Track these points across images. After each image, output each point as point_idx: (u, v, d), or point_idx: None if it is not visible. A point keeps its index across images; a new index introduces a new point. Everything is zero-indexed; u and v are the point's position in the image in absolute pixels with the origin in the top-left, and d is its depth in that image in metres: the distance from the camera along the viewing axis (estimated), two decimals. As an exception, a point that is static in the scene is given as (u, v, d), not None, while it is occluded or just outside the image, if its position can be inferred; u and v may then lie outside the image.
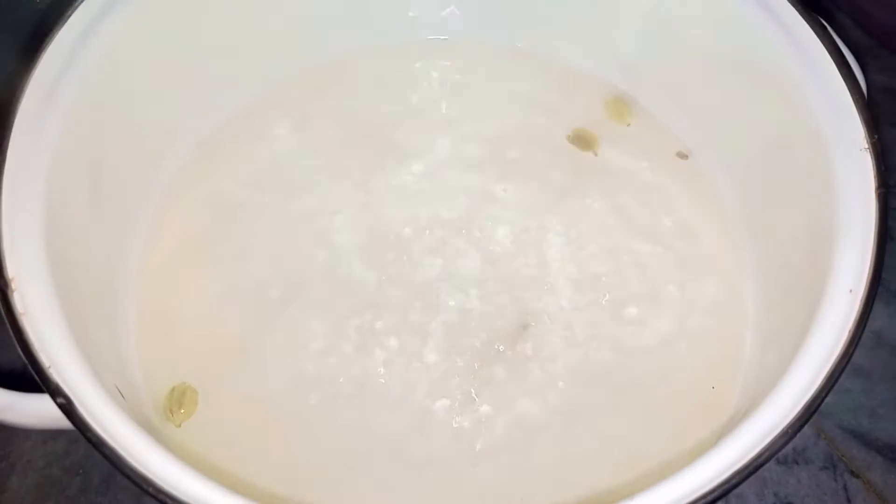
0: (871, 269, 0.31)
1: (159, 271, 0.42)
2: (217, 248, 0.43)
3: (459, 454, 0.38)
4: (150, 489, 0.27)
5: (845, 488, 0.41)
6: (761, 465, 0.28)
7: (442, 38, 0.49)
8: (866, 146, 0.33)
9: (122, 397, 0.31)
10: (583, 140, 0.46)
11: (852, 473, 0.42)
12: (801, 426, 0.29)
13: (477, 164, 0.45)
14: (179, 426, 0.38)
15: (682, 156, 0.45)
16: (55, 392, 0.28)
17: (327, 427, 0.38)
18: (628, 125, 0.46)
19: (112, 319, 0.38)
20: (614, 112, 0.47)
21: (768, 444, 0.28)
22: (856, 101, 0.33)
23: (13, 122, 0.33)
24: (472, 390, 0.39)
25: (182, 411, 0.38)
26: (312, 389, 0.39)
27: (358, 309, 0.41)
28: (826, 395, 0.29)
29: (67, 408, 0.28)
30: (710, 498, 0.27)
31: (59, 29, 0.35)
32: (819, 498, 0.41)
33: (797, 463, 0.42)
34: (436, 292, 0.42)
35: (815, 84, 0.35)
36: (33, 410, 0.31)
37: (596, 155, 0.46)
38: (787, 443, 0.28)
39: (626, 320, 0.41)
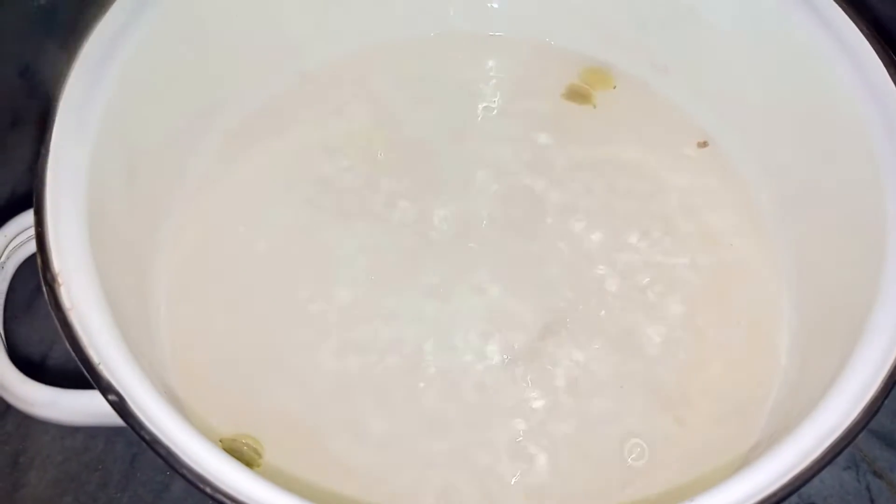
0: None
1: (189, 262, 0.42)
2: (247, 239, 0.43)
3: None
4: (208, 489, 0.26)
5: (868, 489, 0.42)
6: (808, 481, 0.27)
7: (475, 32, 0.49)
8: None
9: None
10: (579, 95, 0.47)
11: (875, 474, 0.42)
12: (846, 447, 0.28)
13: (506, 155, 0.46)
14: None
15: (703, 144, 0.45)
16: (107, 389, 0.28)
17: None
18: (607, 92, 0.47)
19: (146, 316, 0.38)
20: (595, 80, 0.47)
21: (815, 460, 0.28)
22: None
23: (55, 118, 0.33)
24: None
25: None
26: (352, 391, 0.39)
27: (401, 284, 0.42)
28: (878, 410, 0.28)
29: (120, 405, 0.28)
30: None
31: (98, 23, 0.35)
32: (842, 498, 0.41)
33: (820, 463, 0.42)
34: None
35: (861, 83, 0.35)
36: (74, 406, 0.32)
37: (595, 107, 0.47)
38: (832, 460, 0.28)
39: (655, 333, 0.41)
